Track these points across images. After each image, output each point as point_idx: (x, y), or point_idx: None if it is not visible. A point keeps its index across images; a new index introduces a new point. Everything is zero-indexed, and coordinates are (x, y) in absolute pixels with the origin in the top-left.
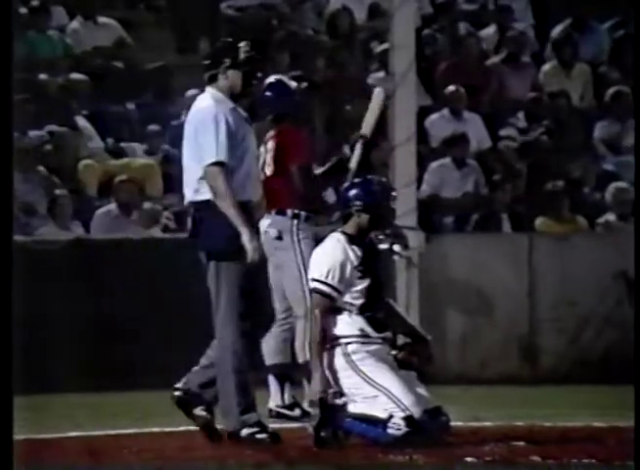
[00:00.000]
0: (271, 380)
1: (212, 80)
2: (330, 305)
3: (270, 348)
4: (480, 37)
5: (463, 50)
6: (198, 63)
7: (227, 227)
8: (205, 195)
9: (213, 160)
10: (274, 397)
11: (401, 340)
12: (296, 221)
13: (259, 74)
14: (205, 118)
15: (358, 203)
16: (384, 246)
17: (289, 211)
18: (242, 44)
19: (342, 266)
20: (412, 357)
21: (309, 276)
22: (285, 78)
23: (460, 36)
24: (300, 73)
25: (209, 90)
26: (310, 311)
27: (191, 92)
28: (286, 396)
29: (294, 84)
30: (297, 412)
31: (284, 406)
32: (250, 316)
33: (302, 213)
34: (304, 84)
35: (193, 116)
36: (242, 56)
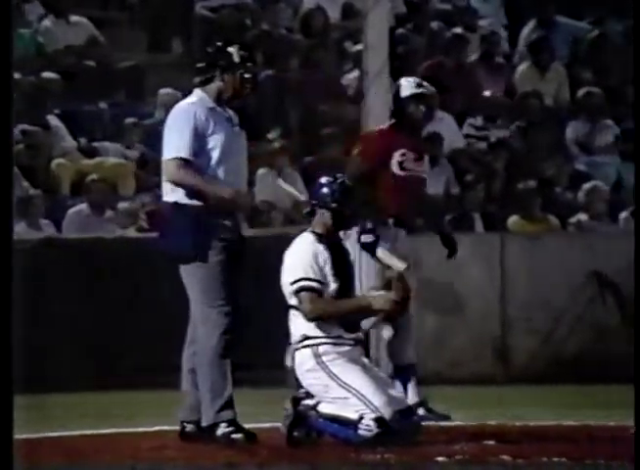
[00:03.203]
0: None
1: (203, 83)
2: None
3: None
4: (467, 38)
5: (445, 50)
6: (171, 62)
7: (193, 230)
8: (173, 196)
9: (173, 155)
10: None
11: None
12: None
13: (249, 76)
14: (174, 116)
15: (324, 201)
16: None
17: None
18: (234, 48)
19: (317, 262)
20: (376, 314)
21: (288, 281)
22: None
23: (446, 37)
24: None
25: (196, 92)
26: (308, 314)
27: (163, 91)
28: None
29: None
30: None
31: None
32: (228, 314)
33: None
34: None
35: (168, 116)
36: (236, 59)
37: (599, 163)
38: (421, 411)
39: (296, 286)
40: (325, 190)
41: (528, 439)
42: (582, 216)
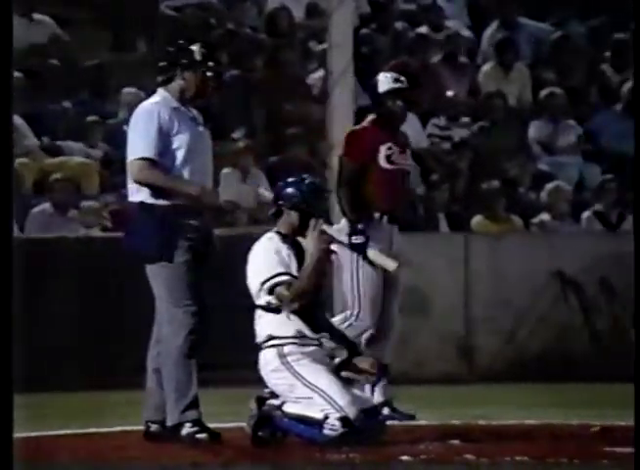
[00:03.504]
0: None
1: (165, 82)
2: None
3: None
4: (432, 38)
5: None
6: (135, 61)
7: (159, 229)
8: (138, 196)
9: (138, 156)
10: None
11: (339, 354)
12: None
13: (211, 74)
14: (138, 117)
15: (289, 202)
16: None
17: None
18: (196, 46)
19: (282, 258)
20: (360, 374)
21: (258, 281)
22: None
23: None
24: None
25: (159, 91)
26: (291, 302)
27: (127, 90)
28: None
29: None
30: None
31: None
32: (195, 314)
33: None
34: None
35: (132, 116)
36: (197, 57)
37: (561, 163)
38: (386, 411)
39: (269, 284)
40: (292, 190)
41: (492, 438)
42: (545, 216)
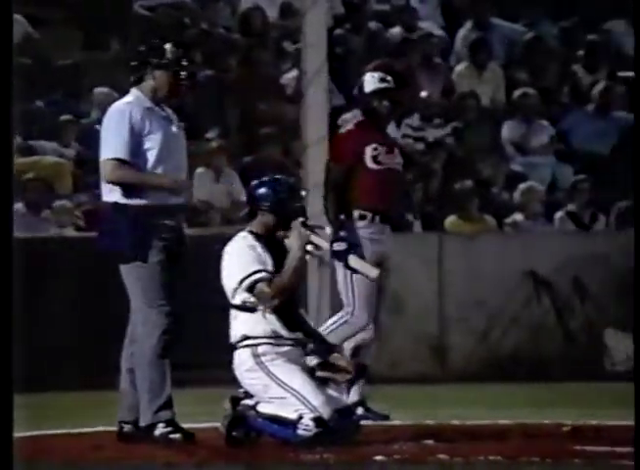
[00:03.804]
0: None
1: (138, 82)
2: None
3: None
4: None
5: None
6: (108, 61)
7: (133, 229)
8: (112, 196)
9: (110, 156)
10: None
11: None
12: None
13: (183, 73)
14: (110, 117)
15: (264, 202)
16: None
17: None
18: (167, 45)
19: (259, 256)
20: (336, 373)
21: (235, 280)
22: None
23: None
24: None
25: (132, 91)
26: (272, 298)
27: (100, 90)
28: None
29: None
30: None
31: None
32: (169, 314)
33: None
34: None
35: (105, 115)
36: (168, 56)
37: (534, 163)
38: (360, 410)
39: (248, 281)
40: (266, 190)
41: (465, 438)
42: (518, 216)
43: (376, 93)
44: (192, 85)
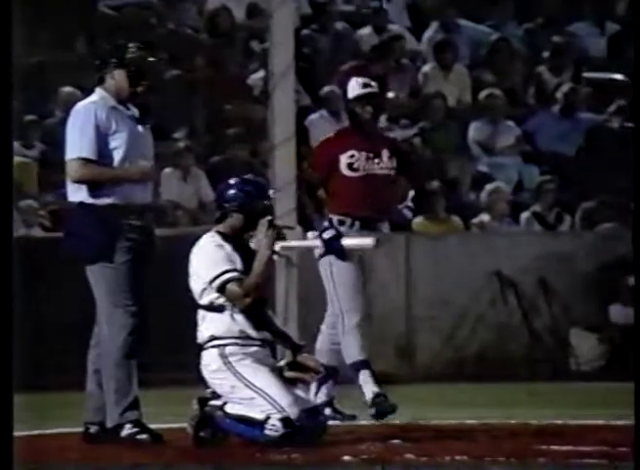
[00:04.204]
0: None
1: (101, 81)
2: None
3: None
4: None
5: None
6: (73, 60)
7: (99, 230)
8: (78, 196)
9: (75, 155)
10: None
11: (287, 356)
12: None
13: (143, 73)
14: (75, 116)
15: (233, 203)
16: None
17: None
18: (130, 45)
19: (228, 255)
20: (304, 373)
21: (205, 280)
22: None
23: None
24: None
25: (97, 90)
26: (244, 300)
27: (66, 90)
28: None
29: None
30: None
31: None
32: (135, 314)
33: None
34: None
35: (70, 115)
36: (128, 56)
37: (501, 164)
38: (327, 411)
39: (219, 281)
40: (236, 191)
41: (432, 438)
42: (485, 217)
43: (359, 98)
44: (153, 85)
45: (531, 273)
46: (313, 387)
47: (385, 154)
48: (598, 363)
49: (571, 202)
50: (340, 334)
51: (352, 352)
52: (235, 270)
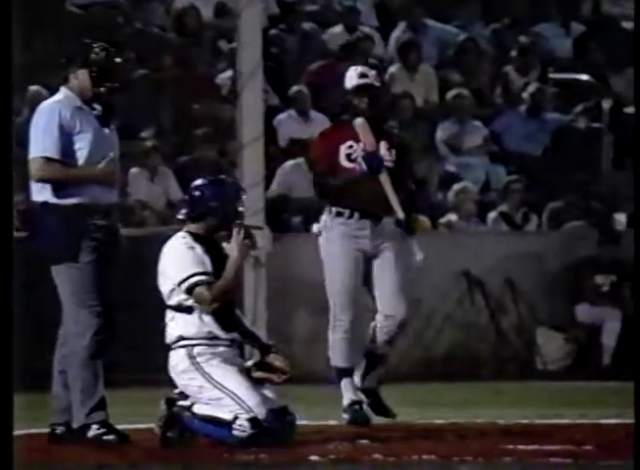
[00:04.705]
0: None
1: (66, 80)
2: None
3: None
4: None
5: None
6: (40, 59)
7: (64, 229)
8: (42, 196)
9: (39, 154)
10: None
11: (256, 356)
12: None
13: (108, 72)
14: (39, 115)
15: (209, 203)
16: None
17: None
18: (95, 45)
19: (198, 257)
20: (273, 373)
21: (174, 281)
22: None
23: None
24: None
25: (62, 89)
26: (210, 304)
27: (33, 88)
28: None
29: None
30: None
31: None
32: (100, 314)
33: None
34: None
35: (35, 113)
36: (92, 56)
37: (468, 164)
38: (367, 401)
39: (187, 284)
40: (210, 191)
41: (400, 437)
42: (452, 217)
43: (357, 89)
44: (119, 85)
45: (499, 273)
46: (359, 372)
47: (383, 146)
48: (564, 363)
49: (537, 202)
50: (330, 329)
51: (337, 358)
52: (204, 273)
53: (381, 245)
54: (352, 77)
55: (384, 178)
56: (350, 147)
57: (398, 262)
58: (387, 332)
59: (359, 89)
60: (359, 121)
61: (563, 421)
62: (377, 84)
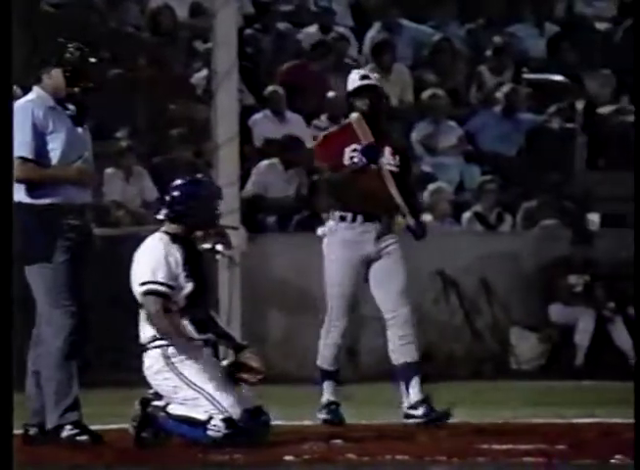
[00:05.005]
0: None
1: (39, 80)
2: (167, 305)
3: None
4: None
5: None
6: (15, 57)
7: (37, 229)
8: (16, 196)
9: (14, 154)
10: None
11: (230, 356)
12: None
13: (84, 75)
14: (13, 114)
15: (187, 205)
16: (206, 245)
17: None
18: (69, 44)
19: (168, 263)
20: (245, 376)
21: (137, 282)
22: None
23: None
24: None
25: (35, 89)
26: (149, 318)
27: None
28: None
29: None
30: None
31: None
32: (74, 315)
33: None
34: None
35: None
36: (66, 56)
37: (443, 164)
38: (422, 410)
39: (144, 288)
40: (188, 192)
41: (374, 437)
42: (427, 217)
43: (358, 91)
44: (94, 85)
45: (473, 273)
46: (403, 388)
47: (387, 150)
48: (538, 362)
49: (512, 202)
50: (323, 330)
51: (325, 360)
52: (166, 285)
53: (385, 247)
54: (354, 80)
55: (386, 175)
56: (354, 150)
57: (403, 264)
58: (400, 337)
59: (361, 91)
60: (354, 116)
61: (536, 420)
62: (379, 86)
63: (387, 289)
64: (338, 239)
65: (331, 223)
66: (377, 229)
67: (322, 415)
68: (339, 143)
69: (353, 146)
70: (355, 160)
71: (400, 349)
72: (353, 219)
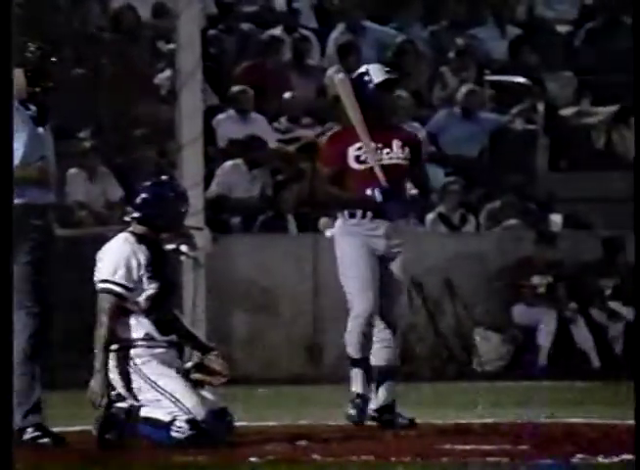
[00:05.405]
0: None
1: None
2: (120, 305)
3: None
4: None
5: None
6: None
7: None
8: None
9: None
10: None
11: (195, 358)
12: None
13: (46, 75)
14: None
15: (155, 206)
16: (171, 246)
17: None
18: (30, 44)
19: (130, 265)
20: (211, 375)
21: (97, 278)
22: None
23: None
24: None
25: None
26: (97, 313)
27: None
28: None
29: None
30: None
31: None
32: (37, 315)
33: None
34: None
35: None
36: (27, 56)
37: None
38: (388, 416)
39: (101, 286)
40: (154, 193)
41: (339, 438)
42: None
43: (383, 84)
44: (56, 85)
45: (437, 274)
46: (373, 390)
47: (395, 144)
48: (501, 363)
49: (475, 203)
50: (350, 319)
51: (352, 348)
52: (118, 284)
53: (395, 247)
54: (380, 72)
55: (379, 174)
56: (359, 149)
57: (404, 272)
58: (382, 339)
59: (386, 84)
60: (340, 77)
61: (499, 421)
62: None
63: (387, 293)
64: (348, 235)
65: (339, 222)
66: (386, 227)
67: (347, 409)
68: (342, 143)
69: (357, 145)
70: (369, 192)
71: (380, 351)
72: (363, 216)
